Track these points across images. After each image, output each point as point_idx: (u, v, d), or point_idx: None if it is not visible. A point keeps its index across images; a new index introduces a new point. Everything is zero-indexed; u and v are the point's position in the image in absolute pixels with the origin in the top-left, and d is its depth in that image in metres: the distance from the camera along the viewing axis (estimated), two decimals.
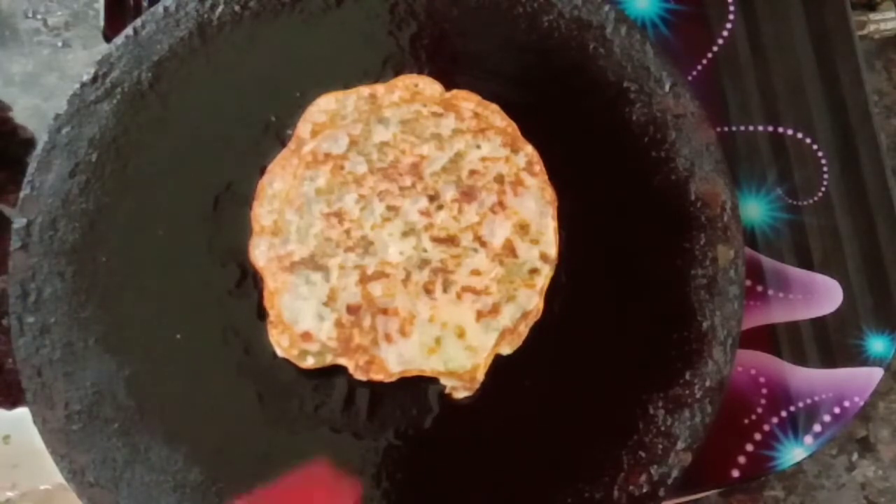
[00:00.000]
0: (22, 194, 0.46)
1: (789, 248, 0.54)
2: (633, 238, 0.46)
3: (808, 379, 0.53)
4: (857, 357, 0.53)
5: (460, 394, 0.44)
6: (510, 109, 0.47)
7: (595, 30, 0.48)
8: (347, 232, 0.44)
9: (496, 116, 0.46)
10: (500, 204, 0.45)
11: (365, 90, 0.47)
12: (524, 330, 0.44)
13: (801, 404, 0.52)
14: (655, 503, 0.44)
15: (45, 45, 0.70)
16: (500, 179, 0.45)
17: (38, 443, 0.43)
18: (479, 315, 0.44)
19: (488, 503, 0.44)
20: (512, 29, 0.48)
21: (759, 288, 0.54)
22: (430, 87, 0.47)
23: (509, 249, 0.45)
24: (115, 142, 0.47)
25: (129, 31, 0.48)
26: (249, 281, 0.45)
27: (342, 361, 0.43)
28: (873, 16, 0.62)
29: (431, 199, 0.45)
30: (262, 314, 0.44)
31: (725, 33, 0.57)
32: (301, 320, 0.43)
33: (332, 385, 0.44)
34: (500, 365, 0.44)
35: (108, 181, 0.46)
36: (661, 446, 0.44)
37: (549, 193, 0.46)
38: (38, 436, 0.43)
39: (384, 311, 0.44)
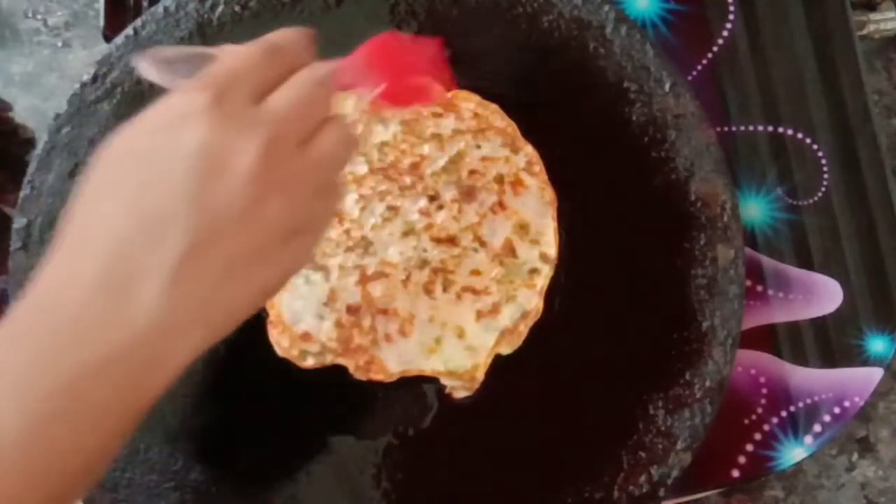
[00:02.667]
0: (22, 194, 0.46)
1: (789, 248, 0.54)
2: (633, 238, 0.46)
3: (808, 379, 0.53)
4: (857, 357, 0.53)
5: (460, 393, 0.44)
6: (510, 109, 0.47)
7: (595, 30, 0.48)
8: (347, 232, 0.44)
9: (496, 116, 0.46)
10: (500, 204, 0.45)
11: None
12: (524, 330, 0.44)
13: (801, 404, 0.52)
14: (655, 503, 0.44)
15: (45, 45, 0.69)
16: (499, 179, 0.45)
17: None
18: (479, 315, 0.44)
19: (488, 503, 0.44)
20: (512, 29, 0.48)
21: (759, 288, 0.54)
22: None
23: (509, 249, 0.45)
24: None
25: (129, 31, 0.48)
26: None
27: (342, 361, 0.43)
28: (873, 16, 0.62)
29: (431, 199, 0.45)
30: (261, 314, 0.44)
31: (725, 33, 0.57)
32: (301, 320, 0.43)
33: (332, 385, 0.44)
34: (500, 365, 0.44)
35: None
36: (661, 446, 0.44)
37: (549, 193, 0.46)
38: None
39: (384, 312, 0.44)
